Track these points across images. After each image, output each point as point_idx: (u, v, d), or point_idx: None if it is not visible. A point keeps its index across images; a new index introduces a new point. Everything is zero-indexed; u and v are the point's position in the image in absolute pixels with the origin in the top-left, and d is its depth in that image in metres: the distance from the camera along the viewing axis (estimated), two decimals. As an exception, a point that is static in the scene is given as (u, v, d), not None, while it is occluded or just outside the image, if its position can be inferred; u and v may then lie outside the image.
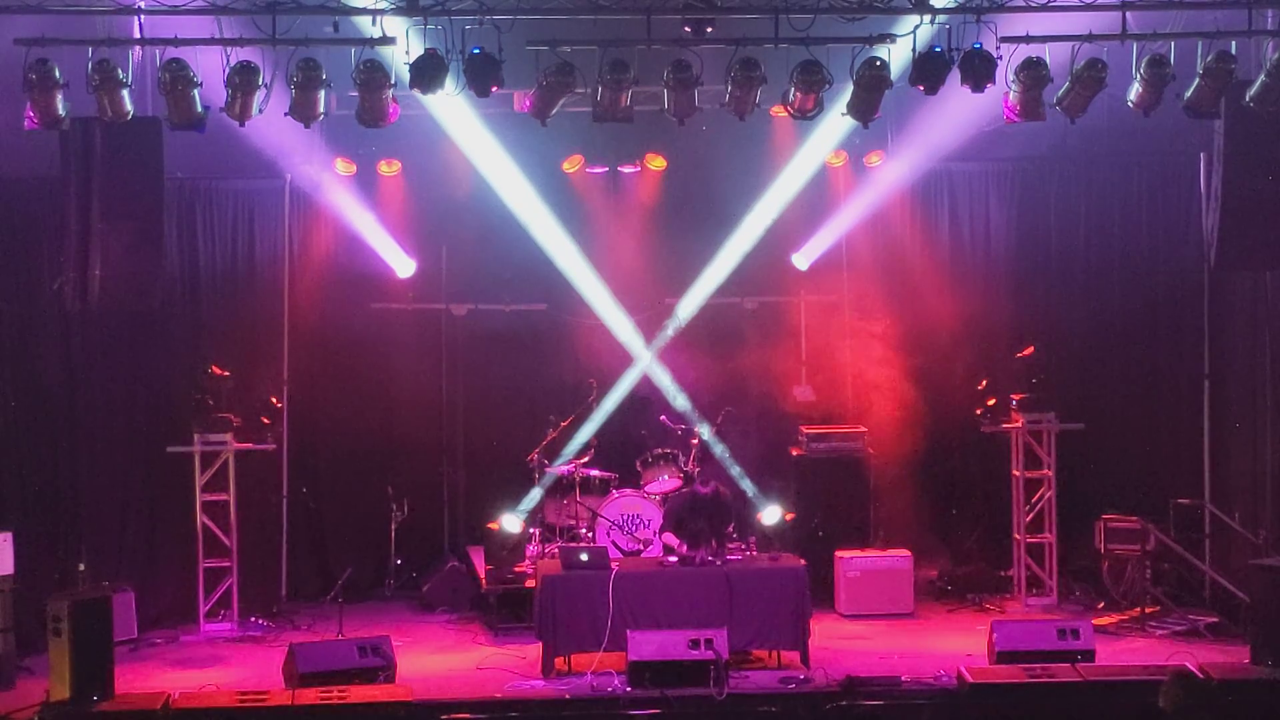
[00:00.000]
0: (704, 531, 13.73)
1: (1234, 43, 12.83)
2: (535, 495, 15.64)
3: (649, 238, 16.47)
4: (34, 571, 13.92)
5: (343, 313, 16.30)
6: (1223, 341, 15.94)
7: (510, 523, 15.23)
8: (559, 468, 15.66)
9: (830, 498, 15.81)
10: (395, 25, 12.60)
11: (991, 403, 15.85)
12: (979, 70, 12.64)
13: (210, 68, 12.57)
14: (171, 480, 15.17)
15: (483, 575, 15.14)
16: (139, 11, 12.56)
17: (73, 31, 12.58)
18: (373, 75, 12.64)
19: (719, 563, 13.45)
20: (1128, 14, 12.78)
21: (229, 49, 12.54)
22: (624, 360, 16.41)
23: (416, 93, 12.81)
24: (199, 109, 12.75)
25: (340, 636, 13.72)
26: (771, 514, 15.27)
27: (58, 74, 12.42)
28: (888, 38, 12.85)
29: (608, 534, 15.11)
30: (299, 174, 15.96)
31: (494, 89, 12.70)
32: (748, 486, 15.78)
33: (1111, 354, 16.46)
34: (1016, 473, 15.69)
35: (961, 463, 16.58)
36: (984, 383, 15.97)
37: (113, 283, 14.24)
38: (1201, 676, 11.04)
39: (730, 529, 14.11)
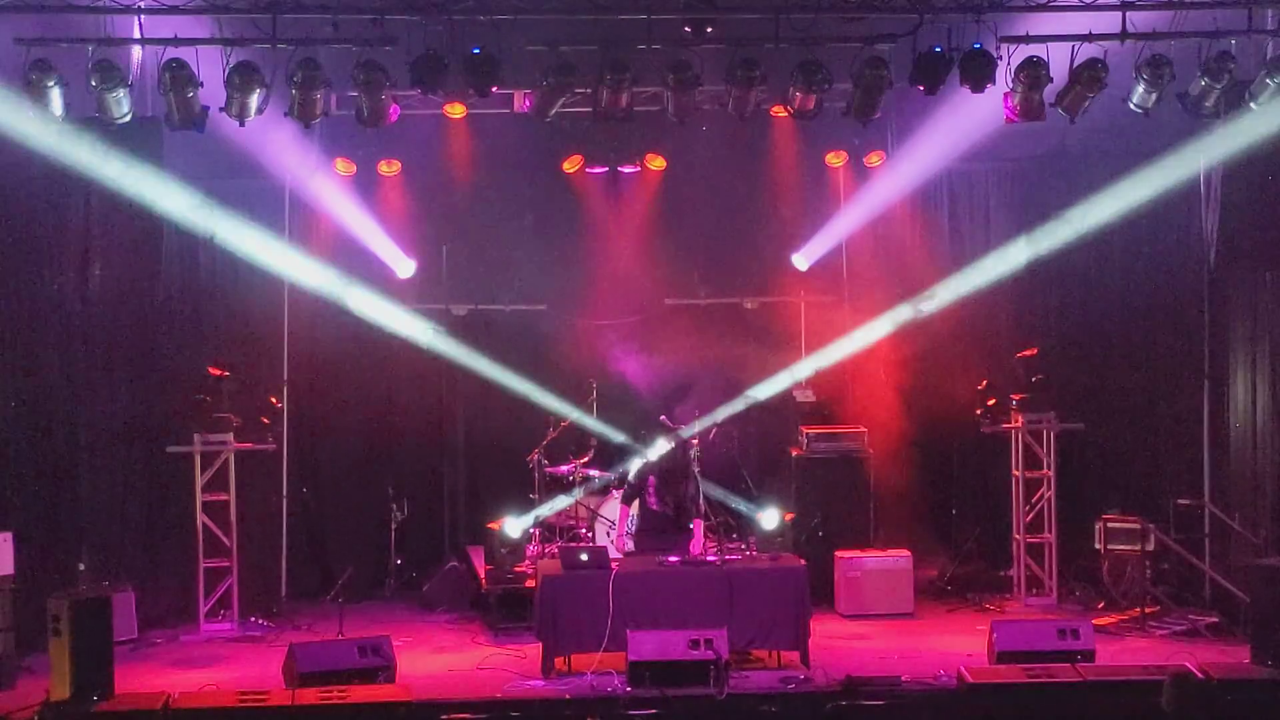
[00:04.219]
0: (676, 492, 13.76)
1: (1234, 43, 12.84)
2: (535, 495, 15.63)
3: (649, 238, 16.48)
4: (34, 571, 13.90)
5: (343, 313, 16.30)
6: (1223, 341, 15.91)
7: (510, 523, 15.22)
8: (559, 468, 15.66)
9: (830, 498, 15.80)
10: (395, 25, 12.60)
11: (991, 403, 15.83)
12: (979, 70, 12.66)
13: (210, 68, 12.57)
14: (171, 480, 15.16)
15: (483, 575, 15.13)
16: (139, 11, 12.57)
17: (72, 31, 12.58)
18: (373, 75, 12.65)
19: (717, 560, 13.45)
20: (1128, 14, 12.79)
21: (229, 49, 12.55)
22: (624, 360, 16.39)
23: (416, 93, 12.81)
24: (199, 109, 12.75)
25: (340, 636, 13.68)
26: (771, 514, 15.26)
27: (57, 74, 12.42)
28: (888, 38, 12.86)
29: (607, 534, 15.11)
30: (298, 174, 15.94)
31: (494, 89, 12.70)
32: (746, 487, 15.77)
33: (1111, 354, 16.44)
34: (1016, 473, 15.68)
35: (961, 463, 16.57)
36: (984, 383, 15.95)
37: (113, 283, 14.24)
38: (1201, 676, 11.05)
39: (691, 488, 13.97)
